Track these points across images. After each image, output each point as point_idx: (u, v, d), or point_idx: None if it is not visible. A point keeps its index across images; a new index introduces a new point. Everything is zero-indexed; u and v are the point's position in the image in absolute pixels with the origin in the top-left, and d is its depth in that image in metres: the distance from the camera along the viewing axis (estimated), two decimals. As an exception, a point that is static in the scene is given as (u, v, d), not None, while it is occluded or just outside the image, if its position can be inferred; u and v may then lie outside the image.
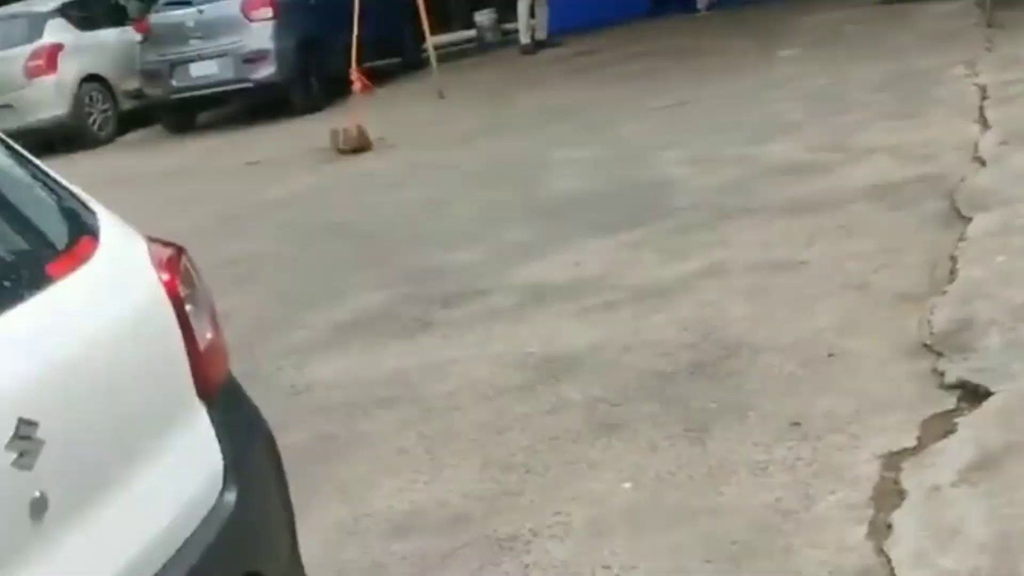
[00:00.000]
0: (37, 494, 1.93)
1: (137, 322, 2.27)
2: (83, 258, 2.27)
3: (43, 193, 2.46)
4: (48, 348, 2.06)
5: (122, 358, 2.21)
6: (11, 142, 2.52)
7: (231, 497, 2.30)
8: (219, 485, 2.31)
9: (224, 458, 2.35)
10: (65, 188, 2.50)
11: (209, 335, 2.40)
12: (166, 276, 2.36)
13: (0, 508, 1.87)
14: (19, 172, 2.45)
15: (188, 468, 2.29)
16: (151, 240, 2.50)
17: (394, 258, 6.53)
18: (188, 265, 2.46)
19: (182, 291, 2.36)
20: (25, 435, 1.90)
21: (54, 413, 1.98)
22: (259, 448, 2.54)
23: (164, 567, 2.11)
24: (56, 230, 2.42)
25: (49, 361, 2.04)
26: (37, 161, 2.53)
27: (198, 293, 2.44)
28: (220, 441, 2.36)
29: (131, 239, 2.47)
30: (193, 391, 2.34)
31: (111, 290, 2.28)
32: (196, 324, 2.35)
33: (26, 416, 1.91)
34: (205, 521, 2.24)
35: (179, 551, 2.15)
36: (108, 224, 2.46)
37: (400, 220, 7.47)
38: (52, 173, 2.52)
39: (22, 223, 2.38)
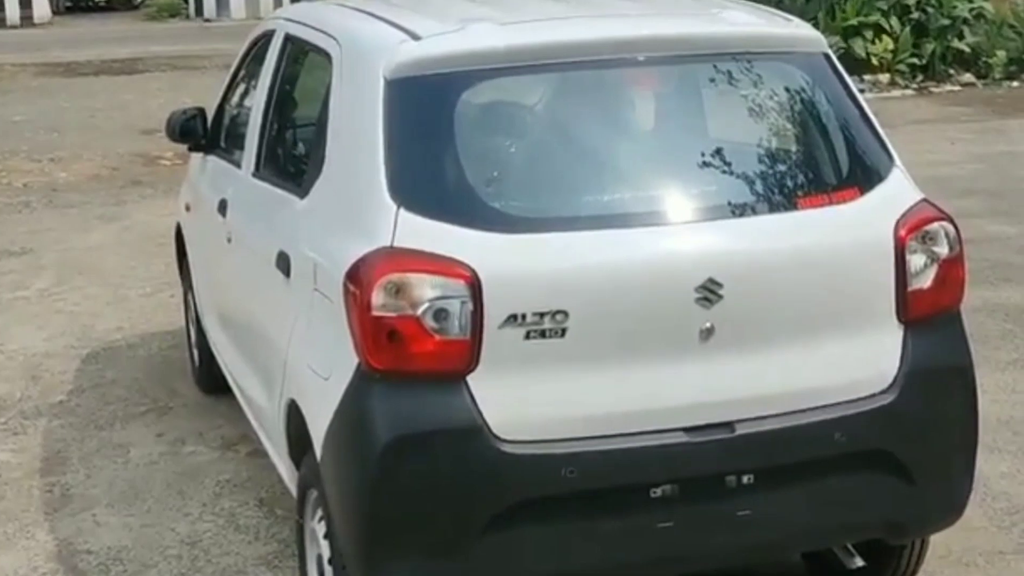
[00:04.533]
0: (708, 325, 3.04)
1: (851, 255, 3.19)
2: (836, 201, 3.23)
3: (851, 131, 3.38)
4: (755, 243, 3.14)
5: (821, 269, 3.15)
6: (846, 75, 3.44)
7: (889, 397, 3.18)
8: (884, 385, 3.20)
9: (899, 368, 3.21)
10: (876, 135, 3.41)
11: (926, 285, 3.23)
12: (902, 233, 3.21)
13: (681, 327, 3.07)
14: (842, 102, 3.40)
15: (862, 361, 3.18)
16: (927, 203, 3.33)
17: None
18: (944, 231, 3.27)
19: (910, 247, 3.20)
20: (710, 288, 3.03)
21: (739, 285, 3.04)
22: (936, 373, 3.27)
23: (799, 412, 3.09)
24: (836, 168, 3.36)
25: (751, 252, 3.13)
26: (863, 100, 3.46)
27: (939, 253, 3.25)
28: (903, 355, 3.22)
29: (898, 198, 3.29)
30: (893, 315, 3.20)
31: (842, 226, 3.21)
32: (913, 273, 3.21)
33: (716, 278, 3.04)
34: (856, 402, 3.16)
35: (817, 408, 3.11)
36: (893, 178, 3.35)
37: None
38: (872, 116, 3.44)
39: (816, 148, 3.39)
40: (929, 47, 15.19)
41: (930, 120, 12.87)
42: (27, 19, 28.70)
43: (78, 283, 7.57)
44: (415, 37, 3.27)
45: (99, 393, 5.78)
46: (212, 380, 5.33)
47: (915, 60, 15.16)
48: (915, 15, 15.19)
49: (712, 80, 3.47)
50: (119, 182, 10.77)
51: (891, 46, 14.90)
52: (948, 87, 15.11)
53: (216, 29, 24.03)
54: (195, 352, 5.70)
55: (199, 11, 29.33)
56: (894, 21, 15.02)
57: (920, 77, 15.22)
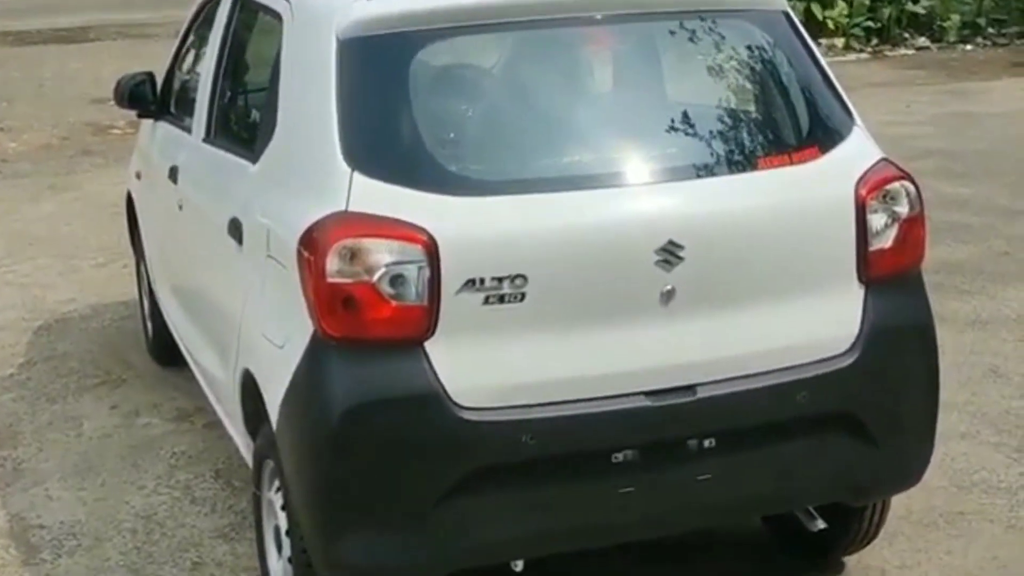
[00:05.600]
0: (669, 287, 2.99)
1: (812, 215, 3.15)
2: (796, 161, 3.18)
3: (811, 90, 3.34)
4: (715, 204, 3.09)
5: (782, 229, 3.10)
6: (805, 34, 3.40)
7: (851, 358, 3.14)
8: (845, 346, 3.16)
9: (860, 328, 3.17)
10: (836, 94, 3.36)
11: (887, 245, 3.19)
12: (863, 192, 3.16)
13: (641, 289, 3.01)
14: (802, 61, 3.36)
15: (823, 322, 3.13)
16: (887, 162, 3.28)
17: None
18: (905, 191, 3.23)
19: (871, 207, 3.16)
20: (671, 250, 2.98)
21: (700, 246, 2.99)
22: (897, 333, 3.22)
23: (760, 374, 3.05)
24: (797, 128, 3.32)
25: (711, 213, 3.08)
26: (823, 60, 3.41)
27: (900, 212, 3.21)
28: (864, 316, 3.17)
29: (859, 158, 3.24)
30: (854, 275, 3.16)
31: (802, 186, 3.17)
32: (874, 232, 3.17)
33: (677, 239, 2.99)
34: (818, 363, 3.11)
35: (779, 371, 3.06)
36: (854, 137, 3.30)
37: None
38: (831, 75, 3.39)
39: (776, 108, 3.35)
40: (884, 11, 15.21)
41: (885, 83, 12.91)
42: (-27, -13, 28.17)
43: (29, 254, 7.45)
44: None
45: (51, 366, 5.68)
46: (167, 351, 5.25)
47: (870, 24, 15.18)
48: (871, -22, 15.22)
49: (671, 39, 3.42)
50: (70, 152, 10.61)
51: (846, 10, 14.91)
52: (903, 51, 15.15)
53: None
54: (148, 323, 5.61)
55: (150, -22, 28.83)
56: (850, -16, 15.03)
57: (875, 41, 15.25)
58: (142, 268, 5.60)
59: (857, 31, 15.10)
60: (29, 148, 10.68)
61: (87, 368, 5.64)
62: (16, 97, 13.05)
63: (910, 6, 15.35)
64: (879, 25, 15.27)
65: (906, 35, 15.50)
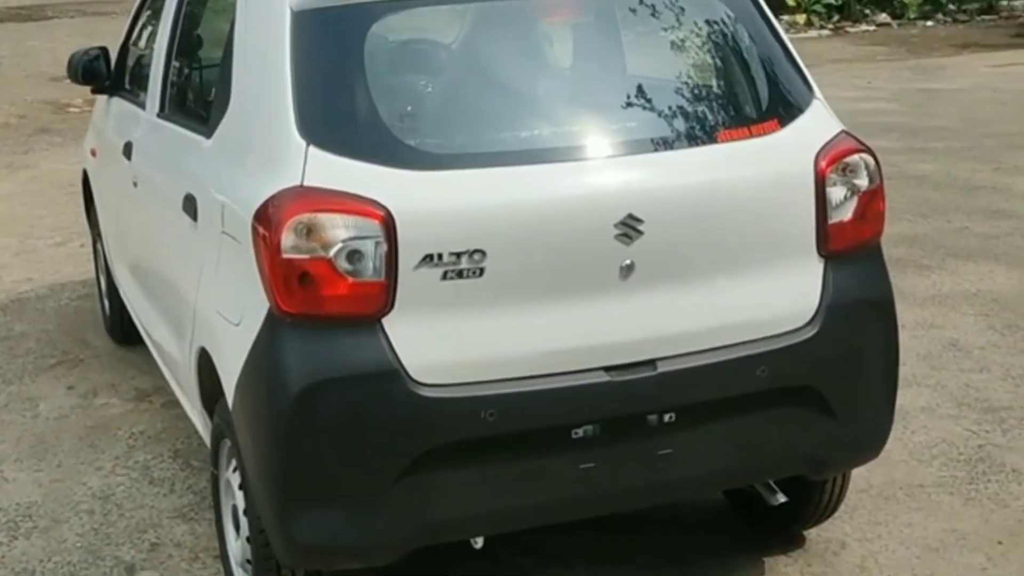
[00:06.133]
0: (628, 261, 2.96)
1: (772, 188, 3.13)
2: (756, 134, 3.16)
3: (771, 64, 3.32)
4: (674, 178, 3.07)
5: (741, 203, 3.09)
6: (765, 7, 3.38)
7: (811, 332, 3.13)
8: (805, 320, 3.15)
9: (820, 302, 3.16)
10: (796, 67, 3.35)
11: (847, 218, 3.18)
12: (822, 165, 3.15)
13: (601, 264, 2.98)
14: (762, 33, 3.34)
15: (783, 295, 3.12)
16: (847, 135, 3.26)
17: None
18: (864, 163, 3.21)
19: (830, 180, 3.15)
20: (630, 224, 2.96)
21: (659, 220, 2.96)
22: (857, 306, 3.20)
23: (720, 348, 3.03)
24: (756, 101, 3.29)
25: (671, 187, 3.06)
26: (783, 33, 3.39)
27: (859, 185, 3.19)
28: (823, 289, 3.17)
29: (819, 131, 3.22)
30: (813, 248, 3.15)
31: (762, 159, 3.15)
32: (833, 206, 3.15)
33: (636, 213, 2.98)
34: (778, 337, 3.10)
35: (739, 345, 3.05)
36: (813, 111, 3.28)
37: None
38: (792, 49, 3.37)
39: (736, 81, 3.32)
40: (846, -13, 15.26)
41: (847, 60, 12.96)
42: (-73, -36, 27.77)
43: (-16, 234, 7.35)
44: None
45: (7, 346, 5.61)
46: (125, 330, 5.19)
47: (831, 1, 15.22)
48: (832, -45, 15.25)
49: (630, 11, 3.39)
50: (27, 130, 10.49)
51: (810, -14, 14.95)
52: (864, 27, 15.22)
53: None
54: (106, 302, 5.54)
55: (108, -45, 28.56)
56: (812, -39, 15.06)
57: (836, 18, 15.31)
58: (99, 246, 5.54)
59: (818, 7, 15.14)
60: (-15, 127, 10.55)
61: (44, 348, 5.57)
62: (-29, 75, 12.89)
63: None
64: (840, 2, 15.31)
65: (867, 11, 15.56)
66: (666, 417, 3.07)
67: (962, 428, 4.50)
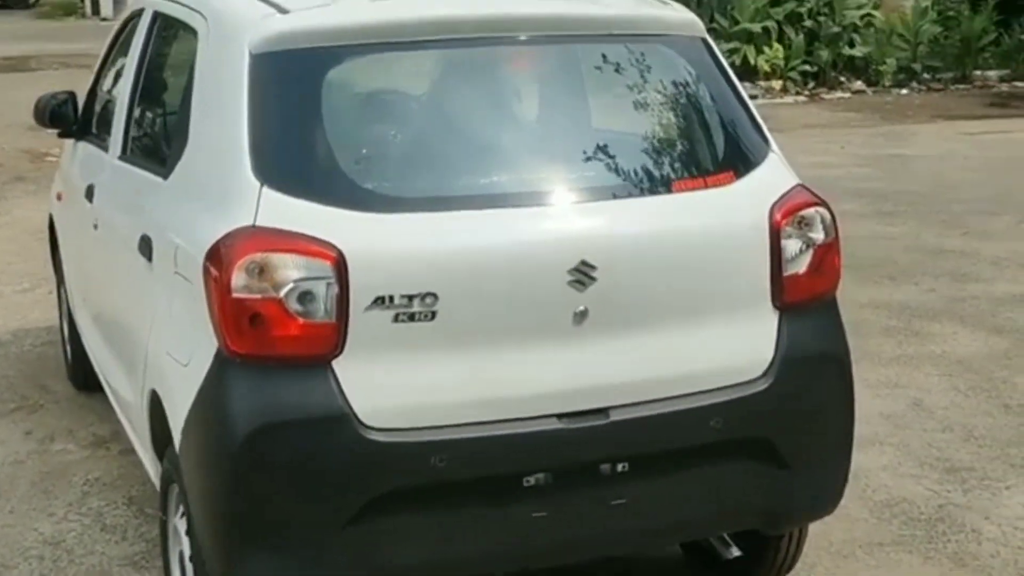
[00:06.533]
0: (581, 308, 2.95)
1: (726, 239, 3.13)
2: (711, 185, 3.17)
3: (728, 116, 3.33)
4: (628, 226, 3.08)
5: (695, 252, 3.08)
6: (723, 60, 3.41)
7: (765, 384, 3.12)
8: (760, 371, 3.14)
9: (775, 353, 3.15)
10: (753, 120, 3.36)
11: (802, 271, 3.17)
12: (777, 217, 3.15)
13: (554, 310, 2.96)
14: (719, 86, 3.36)
15: (737, 346, 3.11)
16: (803, 188, 3.27)
17: None
18: (820, 217, 3.20)
19: (785, 232, 3.15)
20: (583, 270, 2.94)
21: (613, 267, 2.96)
22: (811, 359, 3.20)
23: (674, 398, 3.01)
24: (712, 152, 3.30)
25: (625, 234, 3.05)
26: (740, 86, 3.42)
27: (815, 238, 3.19)
28: (778, 341, 3.16)
29: (774, 183, 3.23)
30: (768, 300, 3.15)
31: (716, 210, 3.14)
32: (788, 258, 3.15)
33: (590, 260, 2.96)
34: (732, 388, 3.08)
35: (693, 395, 3.03)
36: (769, 163, 3.29)
37: None
38: (748, 102, 3.39)
39: (692, 132, 3.34)
40: (821, 54, 15.43)
41: (821, 125, 13.07)
42: (-88, 14, 27.89)
43: (-49, 279, 7.30)
44: (282, 11, 3.16)
45: (-34, 391, 5.54)
46: (85, 376, 5.14)
47: (807, 67, 15.39)
48: (807, 23, 15.44)
49: (588, 62, 3.42)
50: (2, 178, 10.47)
51: (783, 52, 15.11)
52: (839, 94, 15.37)
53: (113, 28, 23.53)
54: (68, 347, 5.50)
55: (96, 10, 28.77)
56: (788, 28, 15.23)
57: (812, 84, 15.47)
58: (62, 291, 5.50)
59: (794, 74, 15.30)
60: (-40, 174, 10.51)
61: (3, 393, 5.52)
62: (-50, 124, 12.87)
63: (847, 50, 15.58)
64: (816, 68, 15.48)
65: (842, 79, 15.73)
66: (619, 466, 3.05)
67: (923, 487, 4.48)
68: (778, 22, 15.13)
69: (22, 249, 7.91)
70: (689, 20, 3.48)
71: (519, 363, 2.97)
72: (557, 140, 3.32)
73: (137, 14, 4.32)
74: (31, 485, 4.59)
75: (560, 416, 3.00)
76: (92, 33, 22.74)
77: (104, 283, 4.26)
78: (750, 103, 3.44)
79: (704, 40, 3.47)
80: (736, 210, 3.21)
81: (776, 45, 15.08)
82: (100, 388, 4.75)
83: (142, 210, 3.59)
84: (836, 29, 15.44)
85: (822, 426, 3.32)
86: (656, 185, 3.19)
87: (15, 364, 5.92)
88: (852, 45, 15.60)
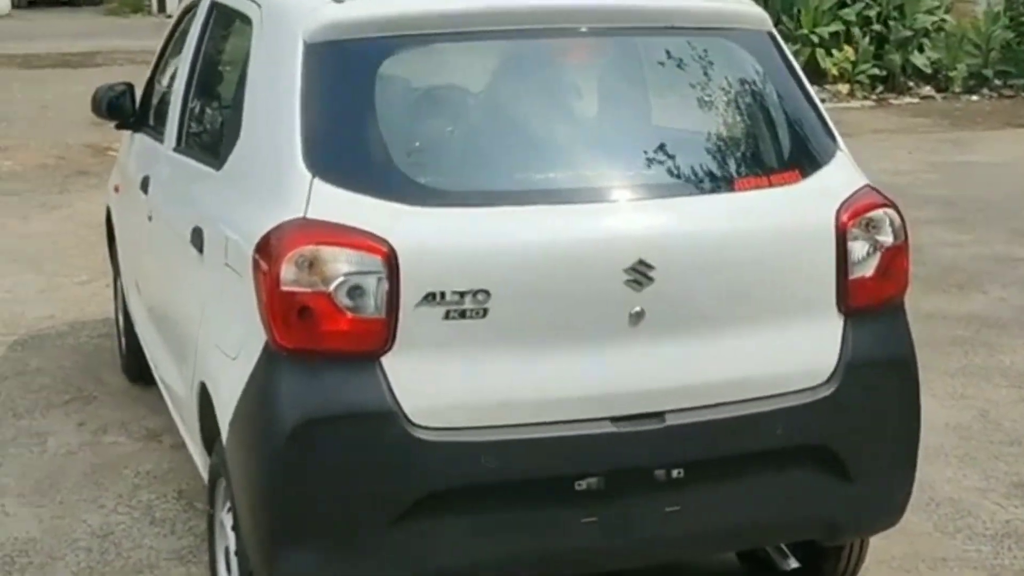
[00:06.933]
0: (638, 308, 2.88)
1: (790, 239, 3.04)
2: (775, 183, 3.07)
3: (794, 113, 3.23)
4: (688, 224, 2.98)
5: (758, 253, 2.99)
6: (790, 55, 3.30)
7: (828, 390, 3.02)
8: (823, 377, 3.03)
9: (839, 359, 3.05)
10: (820, 118, 3.26)
11: (868, 274, 3.08)
12: (844, 218, 3.05)
13: (609, 310, 2.88)
14: (786, 82, 3.27)
15: (800, 351, 3.02)
16: (871, 189, 3.16)
17: None
18: (888, 219, 3.11)
19: (852, 234, 3.04)
20: (641, 270, 2.86)
21: (671, 267, 2.88)
22: (877, 366, 3.10)
23: (732, 403, 2.93)
24: (778, 150, 3.20)
25: (684, 233, 2.97)
26: (807, 82, 3.32)
27: (883, 241, 3.09)
28: (843, 346, 3.06)
29: (841, 183, 3.13)
30: (833, 304, 3.05)
31: (780, 209, 3.05)
32: (855, 261, 3.05)
33: (647, 259, 2.88)
34: (793, 394, 2.98)
35: (752, 400, 2.95)
36: (837, 163, 3.19)
37: None
38: (816, 99, 3.29)
39: (757, 129, 3.24)
40: (891, 59, 15.17)
41: (889, 130, 12.84)
42: (-15, 11, 28.38)
43: (12, 270, 7.35)
44: (337, 0, 3.10)
45: (21, 381, 5.56)
46: (140, 368, 5.13)
47: (876, 72, 15.13)
48: (877, 27, 15.18)
49: (650, 54, 3.32)
50: (65, 171, 10.55)
51: (852, 56, 14.87)
52: (908, 99, 15.09)
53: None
54: (123, 339, 5.50)
55: (161, 7, 29.08)
56: (856, 31, 14.99)
57: (880, 89, 15.20)
58: (118, 283, 5.50)
59: (862, 78, 15.05)
60: (24, 167, 10.62)
61: (58, 384, 5.52)
62: (17, 118, 13.02)
63: (917, 56, 15.30)
64: (885, 73, 15.22)
65: (911, 84, 15.45)
66: (674, 472, 2.96)
67: (989, 502, 4.33)
68: (847, 24, 14.88)
69: (82, 242, 7.95)
70: (755, 14, 3.38)
71: (572, 364, 2.89)
72: (615, 135, 3.23)
73: (194, 5, 4.29)
74: (82, 476, 4.58)
75: (614, 419, 2.91)
76: (158, 30, 22.94)
77: (157, 275, 4.24)
78: (817, 100, 3.33)
79: (771, 34, 3.37)
80: (801, 210, 3.10)
81: (845, 48, 14.83)
82: (154, 381, 4.73)
83: (194, 202, 3.56)
84: (907, 33, 15.15)
85: (886, 436, 3.20)
86: (718, 183, 3.09)
87: (71, 355, 5.93)
88: (922, 50, 15.31)
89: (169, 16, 26.76)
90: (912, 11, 15.16)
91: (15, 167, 10.62)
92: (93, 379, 5.59)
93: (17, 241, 8.06)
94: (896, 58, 15.14)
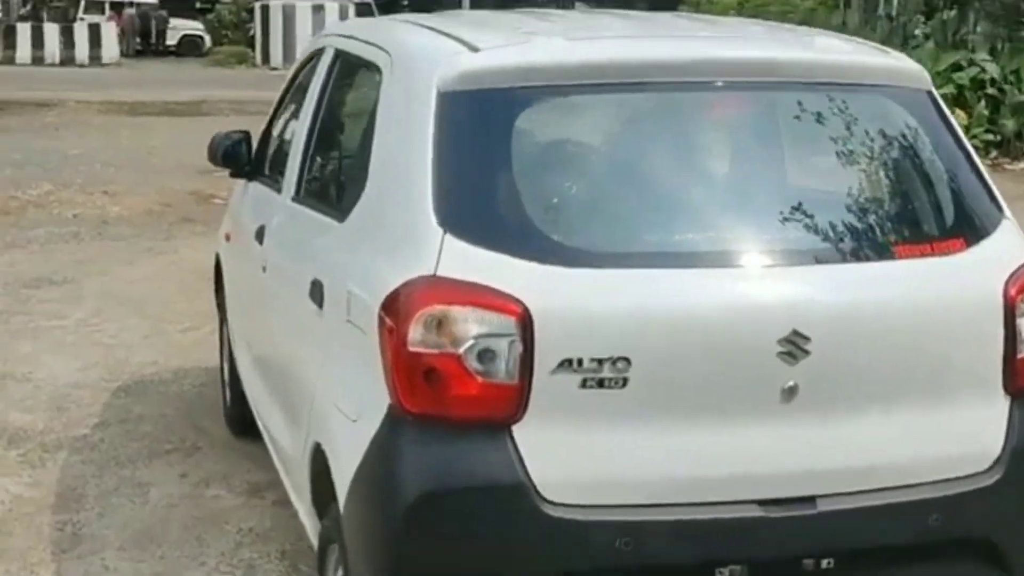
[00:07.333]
0: (791, 383, 2.67)
1: (954, 313, 2.83)
2: (938, 252, 2.87)
3: (956, 177, 3.05)
4: (846, 293, 2.78)
5: (921, 326, 2.79)
6: (950, 116, 3.10)
7: (992, 478, 2.81)
8: (986, 464, 2.83)
9: (1004, 445, 2.85)
10: (984, 183, 3.07)
11: None
12: (1012, 291, 2.86)
13: (760, 384, 2.69)
14: (947, 144, 3.08)
15: (962, 435, 2.83)
16: None
17: None
18: None
19: (1022, 309, 2.85)
20: (796, 341, 2.66)
21: (828, 339, 2.68)
22: None
23: (888, 489, 2.73)
24: (939, 217, 3.00)
25: (842, 302, 2.77)
26: (966, 141, 3.14)
27: None
28: (1008, 431, 2.86)
29: (1009, 253, 2.94)
30: (999, 384, 2.85)
31: (944, 280, 2.85)
32: None
33: (803, 330, 2.67)
34: (954, 481, 2.78)
35: (909, 487, 2.74)
36: (1003, 231, 3.01)
37: None
38: (978, 163, 3.11)
39: (917, 193, 3.04)
40: (1005, 123, 14.79)
41: (1005, 196, 12.43)
42: (96, 59, 29.14)
43: (117, 315, 7.34)
44: (473, 48, 2.97)
45: (124, 429, 5.49)
46: (244, 420, 5.01)
47: (989, 136, 14.75)
48: (991, 90, 14.83)
49: (801, 110, 3.12)
50: (170, 218, 10.63)
51: (965, 120, 14.51)
52: (1022, 165, 14.67)
53: (282, 77, 24.09)
54: (227, 389, 5.40)
55: (265, 59, 29.60)
56: (970, 95, 14.66)
57: (994, 154, 14.81)
58: (224, 332, 5.41)
59: (976, 143, 14.65)
60: (131, 212, 10.73)
61: (160, 433, 5.43)
62: (124, 163, 13.22)
63: (1033, 120, 14.91)
64: (999, 138, 14.84)
65: (1027, 149, 15.04)
66: (824, 562, 2.74)
67: None
68: (960, 88, 14.55)
69: (186, 288, 7.93)
70: (914, 70, 3.18)
71: (718, 441, 2.68)
72: (764, 196, 3.04)
73: (317, 54, 4.19)
74: (184, 530, 4.46)
75: (761, 503, 2.70)
76: (261, 81, 23.35)
77: (270, 327, 4.12)
78: (980, 164, 3.11)
79: (930, 93, 3.16)
80: (966, 281, 2.88)
81: (958, 112, 14.49)
82: (257, 434, 4.61)
83: (315, 254, 3.43)
84: (1021, 98, 14.77)
85: None
86: (877, 249, 2.88)
87: (174, 403, 5.86)
88: (1039, 113, 14.92)
89: (274, 68, 27.25)
90: (1029, 75, 14.82)
91: (122, 212, 10.73)
92: (195, 429, 5.50)
93: (123, 286, 8.07)
94: (1010, 123, 14.76)
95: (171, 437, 5.40)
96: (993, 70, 14.82)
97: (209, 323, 6.72)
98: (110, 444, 5.29)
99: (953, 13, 16.35)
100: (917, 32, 15.88)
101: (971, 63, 14.75)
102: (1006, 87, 14.89)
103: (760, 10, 22.24)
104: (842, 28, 15.82)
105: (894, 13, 16.79)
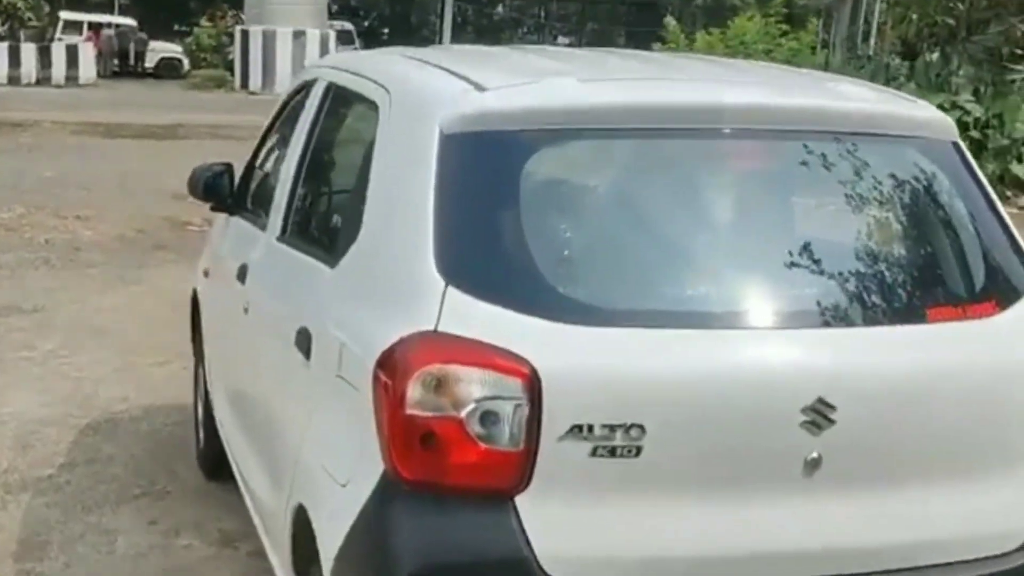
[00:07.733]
0: (815, 455, 2.50)
1: (988, 380, 2.68)
2: (970, 315, 2.72)
3: (986, 236, 2.90)
4: (875, 359, 2.61)
5: (952, 394, 2.64)
6: (977, 170, 2.94)
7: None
8: (1017, 543, 2.66)
9: None
10: (1013, 241, 2.91)
11: None
12: None
13: (781, 455, 2.50)
14: (975, 200, 2.92)
15: (993, 511, 2.67)
16: None
17: None
18: None
19: None
20: (820, 410, 2.48)
21: (855, 408, 2.51)
22: None
23: (916, 569, 2.56)
24: (969, 278, 2.84)
25: (871, 369, 2.60)
26: (995, 197, 2.97)
27: None
28: None
29: None
30: None
31: (978, 345, 2.69)
32: None
33: (828, 398, 2.50)
34: (983, 561, 2.63)
35: (938, 567, 2.58)
36: None
37: None
38: (1008, 220, 2.95)
39: (946, 252, 2.88)
40: (987, 167, 14.74)
41: None
42: (72, 79, 28.89)
43: (87, 347, 7.11)
44: (480, 88, 2.78)
45: (92, 470, 5.25)
46: (217, 464, 4.79)
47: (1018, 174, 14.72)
48: (974, 133, 14.79)
49: (824, 162, 2.95)
50: (144, 245, 10.41)
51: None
52: (1007, 209, 14.64)
53: (261, 102, 23.93)
54: (201, 431, 5.17)
55: (244, 84, 29.42)
56: (953, 138, 14.61)
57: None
58: (200, 372, 5.19)
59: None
60: (104, 238, 10.51)
61: (130, 476, 5.20)
62: (97, 186, 12.99)
63: (1015, 165, 14.87)
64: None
65: (1009, 194, 14.97)
66: None
67: None
68: (944, 131, 14.51)
69: (158, 320, 7.71)
70: (941, 120, 3.03)
71: (736, 516, 2.50)
72: (787, 252, 2.85)
73: (308, 85, 4.00)
74: (152, 583, 4.23)
75: None
76: (240, 105, 23.17)
77: (250, 373, 3.90)
78: (1010, 221, 2.95)
79: (956, 144, 3.00)
80: (1001, 347, 2.72)
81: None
82: (231, 476, 4.40)
83: (302, 299, 3.23)
84: (1004, 142, 14.74)
85: None
86: (907, 312, 2.71)
87: (144, 443, 5.63)
88: (1021, 160, 14.88)
89: (252, 93, 27.09)
90: (1012, 120, 14.77)
91: (95, 237, 10.51)
92: (166, 471, 5.27)
93: (94, 315, 7.85)
94: (994, 167, 14.70)
95: (140, 480, 5.16)
96: (977, 112, 14.79)
97: (181, 358, 6.49)
98: (76, 486, 5.05)
99: (936, 55, 16.36)
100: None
101: (954, 105, 14.69)
102: (988, 131, 14.85)
103: (743, 48, 22.25)
104: (824, 68, 15.79)
105: (872, 53, 16.79)
